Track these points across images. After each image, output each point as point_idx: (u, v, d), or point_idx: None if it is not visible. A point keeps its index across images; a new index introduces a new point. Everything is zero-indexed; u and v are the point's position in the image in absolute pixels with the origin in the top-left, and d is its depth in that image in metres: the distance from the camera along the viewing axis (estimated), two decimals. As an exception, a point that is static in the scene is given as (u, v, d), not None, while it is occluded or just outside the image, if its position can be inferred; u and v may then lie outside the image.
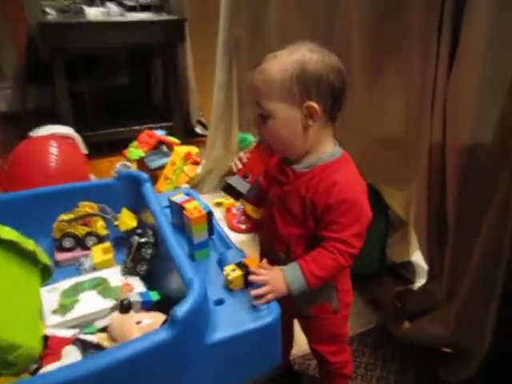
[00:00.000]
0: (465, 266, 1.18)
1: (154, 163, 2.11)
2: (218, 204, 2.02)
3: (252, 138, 2.39)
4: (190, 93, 2.94)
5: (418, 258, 1.63)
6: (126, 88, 3.24)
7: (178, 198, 1.06)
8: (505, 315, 1.06)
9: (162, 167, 2.11)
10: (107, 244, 1.11)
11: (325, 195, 0.83)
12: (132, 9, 2.71)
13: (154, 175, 2.11)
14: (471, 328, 1.18)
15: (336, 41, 1.38)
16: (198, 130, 3.08)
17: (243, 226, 1.95)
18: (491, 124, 1.05)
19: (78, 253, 1.12)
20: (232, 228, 1.95)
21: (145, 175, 1.16)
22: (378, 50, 1.30)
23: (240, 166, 0.90)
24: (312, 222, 0.87)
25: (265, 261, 0.86)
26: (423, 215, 1.29)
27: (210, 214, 0.99)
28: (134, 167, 2.15)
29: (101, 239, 1.14)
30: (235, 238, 1.84)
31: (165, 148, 2.21)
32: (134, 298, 0.88)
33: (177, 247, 0.89)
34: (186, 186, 2.31)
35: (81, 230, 1.13)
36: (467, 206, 1.15)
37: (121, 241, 1.14)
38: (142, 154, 2.06)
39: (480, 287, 1.13)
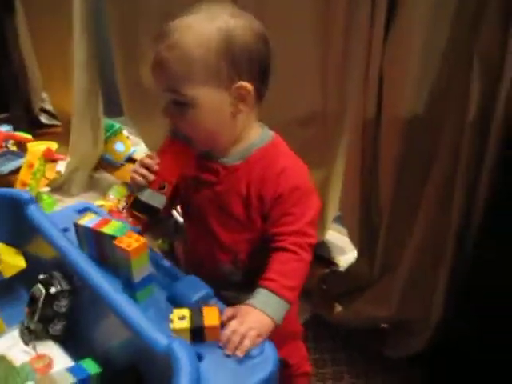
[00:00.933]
0: (403, 241, 1.14)
1: (4, 168, 1.67)
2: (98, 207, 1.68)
3: (118, 125, 2.08)
4: (29, 75, 2.42)
5: (331, 236, 1.58)
6: None
7: (88, 220, 0.78)
8: (459, 286, 1.03)
9: (16, 171, 1.68)
10: (-14, 300, 0.77)
11: (272, 185, 0.71)
12: None
13: (7, 183, 1.68)
14: (415, 303, 1.15)
15: None
16: (44, 119, 2.58)
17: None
18: (426, 93, 0.99)
19: None
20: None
21: (26, 194, 0.84)
22: (290, 10, 1.14)
23: (151, 176, 0.71)
24: (260, 221, 0.74)
25: (228, 309, 0.66)
26: (353, 194, 1.21)
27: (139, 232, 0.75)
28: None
29: (-26, 295, 0.80)
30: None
31: (14, 147, 1.77)
32: (62, 378, 0.61)
33: (116, 293, 0.64)
34: (46, 188, 1.91)
35: None
36: (405, 180, 1.09)
37: (5, 290, 0.81)
38: (-15, 159, 1.60)
39: (424, 259, 1.10)
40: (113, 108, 2.02)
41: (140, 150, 2.11)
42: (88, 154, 1.85)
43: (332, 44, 1.12)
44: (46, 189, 1.91)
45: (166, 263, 0.78)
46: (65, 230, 0.86)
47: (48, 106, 2.56)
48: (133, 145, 2.15)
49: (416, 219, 1.09)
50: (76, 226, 0.78)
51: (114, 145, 2.08)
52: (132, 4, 1.48)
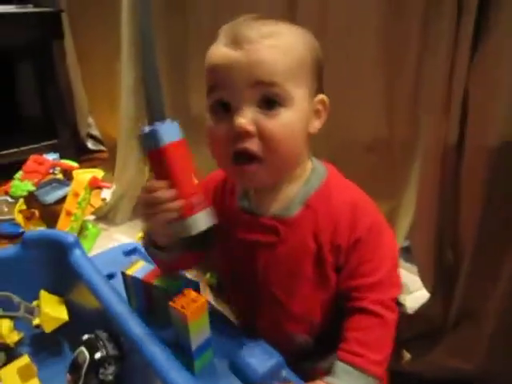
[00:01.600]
0: (487, 284, 0.99)
1: (49, 197, 1.62)
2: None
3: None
4: (76, 101, 2.43)
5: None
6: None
7: (138, 269, 0.69)
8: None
9: (61, 200, 1.63)
10: (25, 359, 0.68)
11: (347, 228, 0.60)
12: (-15, 1, 2.12)
13: (52, 212, 1.63)
14: (506, 354, 0.99)
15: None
16: (90, 145, 2.58)
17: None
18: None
19: (-26, 385, 0.68)
20: (166, 266, 1.57)
21: (71, 237, 0.75)
22: (356, 27, 1.03)
23: (177, 203, 0.55)
24: (334, 276, 0.62)
25: None
26: (427, 230, 1.07)
27: (197, 291, 0.65)
28: (19, 206, 1.64)
29: (12, 352, 0.71)
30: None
31: (60, 175, 1.73)
32: None
33: (169, 361, 0.53)
34: (92, 217, 1.86)
35: (-26, 346, 0.69)
36: (491, 216, 0.95)
37: (45, 346, 0.72)
38: (31, 188, 1.56)
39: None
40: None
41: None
42: (134, 182, 1.79)
43: (402, 66, 1.00)
44: (92, 217, 1.86)
45: (227, 322, 0.67)
46: (110, 276, 0.78)
47: (94, 132, 2.55)
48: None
49: (504, 261, 0.95)
50: (124, 275, 0.69)
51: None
52: (181, 27, 1.42)
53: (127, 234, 1.72)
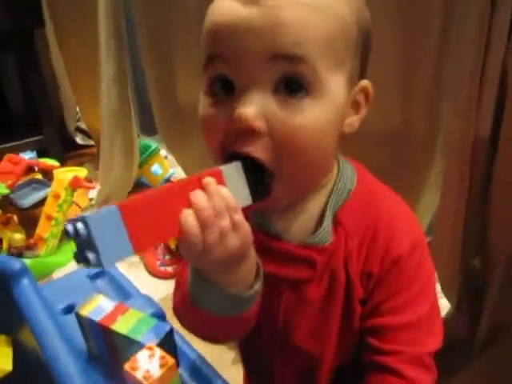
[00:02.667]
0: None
1: (27, 200, 1.49)
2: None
3: (155, 145, 1.87)
4: (62, 93, 2.27)
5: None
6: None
7: (95, 307, 0.54)
8: None
9: (41, 203, 1.49)
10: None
11: (384, 248, 0.44)
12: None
13: (30, 216, 1.49)
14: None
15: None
16: (79, 139, 2.43)
17: (170, 269, 1.43)
18: None
19: None
20: (155, 274, 1.43)
21: (17, 263, 0.61)
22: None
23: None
24: (359, 308, 0.45)
25: None
26: (453, 234, 0.92)
27: (171, 335, 0.51)
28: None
29: None
30: (163, 286, 1.33)
31: (39, 175, 1.59)
32: None
33: None
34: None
35: None
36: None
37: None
38: (5, 191, 1.42)
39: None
40: (149, 126, 1.81)
41: (180, 171, 1.89)
42: (121, 180, 1.65)
43: (421, 48, 0.85)
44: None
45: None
46: (69, 308, 0.63)
47: (83, 125, 2.40)
48: (171, 166, 1.93)
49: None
50: (78, 317, 0.54)
51: (151, 167, 1.88)
52: (164, 13, 1.26)
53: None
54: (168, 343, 0.51)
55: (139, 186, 1.88)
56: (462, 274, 0.98)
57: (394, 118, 0.95)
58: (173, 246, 1.45)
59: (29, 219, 1.49)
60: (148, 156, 1.86)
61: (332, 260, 0.45)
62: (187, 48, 1.25)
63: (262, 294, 0.43)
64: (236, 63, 0.38)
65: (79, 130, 2.46)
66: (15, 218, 1.51)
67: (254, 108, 0.37)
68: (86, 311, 0.53)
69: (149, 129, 1.95)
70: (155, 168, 1.90)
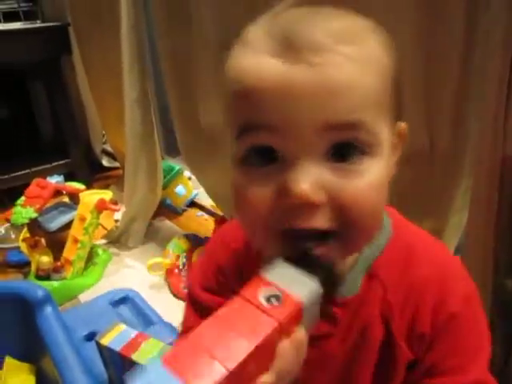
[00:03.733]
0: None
1: (54, 223, 1.51)
2: (155, 265, 1.46)
3: (178, 167, 1.88)
4: (88, 118, 2.33)
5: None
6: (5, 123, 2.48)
7: (115, 337, 0.53)
8: None
9: (67, 226, 1.51)
10: None
11: (438, 304, 0.40)
12: (-8, 18, 2.05)
13: (57, 240, 1.51)
14: None
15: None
16: (105, 162, 2.48)
17: (196, 292, 1.42)
18: None
19: None
20: (179, 296, 1.42)
21: (40, 291, 0.61)
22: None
23: None
24: (403, 370, 0.42)
25: None
26: (483, 256, 0.89)
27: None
28: (23, 234, 1.53)
29: None
30: (187, 309, 1.32)
31: (66, 198, 1.61)
32: None
33: None
34: (103, 241, 1.74)
35: None
36: None
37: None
38: (34, 215, 1.45)
39: None
40: (173, 147, 1.83)
41: (204, 192, 1.90)
42: (145, 202, 1.66)
43: (446, 61, 0.83)
44: (103, 241, 1.74)
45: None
46: (92, 335, 0.63)
47: (109, 148, 2.45)
48: (195, 187, 1.94)
49: None
50: (99, 345, 0.54)
51: (175, 188, 1.89)
52: (185, 38, 1.27)
53: (139, 260, 1.59)
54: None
55: (164, 207, 1.90)
56: (495, 296, 0.94)
57: (418, 136, 0.93)
58: (197, 268, 1.44)
59: (56, 242, 1.51)
60: (172, 177, 1.88)
61: (361, 313, 0.42)
62: (207, 71, 1.26)
63: None
64: (284, 133, 0.33)
65: (105, 152, 2.51)
66: (43, 241, 1.53)
67: (309, 180, 0.33)
68: (106, 340, 0.53)
69: (173, 150, 1.97)
70: (179, 189, 1.92)
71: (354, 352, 0.42)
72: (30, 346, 0.64)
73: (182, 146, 1.48)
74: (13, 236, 1.72)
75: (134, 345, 0.52)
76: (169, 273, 1.44)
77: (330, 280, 0.35)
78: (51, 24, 2.08)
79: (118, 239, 1.71)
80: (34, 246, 1.50)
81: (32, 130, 2.44)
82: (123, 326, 0.55)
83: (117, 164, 2.37)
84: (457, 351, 0.40)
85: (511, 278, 0.91)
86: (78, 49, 2.05)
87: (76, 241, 1.48)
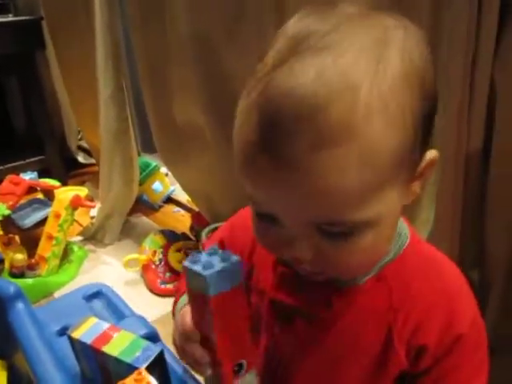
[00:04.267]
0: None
1: (28, 220, 1.49)
2: (131, 261, 1.46)
3: (154, 163, 1.88)
4: (63, 113, 2.30)
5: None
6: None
7: (87, 330, 0.54)
8: None
9: (42, 223, 1.50)
10: None
11: (445, 323, 0.40)
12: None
13: (32, 237, 1.50)
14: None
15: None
16: (81, 158, 2.46)
17: (171, 286, 1.43)
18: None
19: None
20: (156, 291, 1.43)
21: (12, 287, 0.61)
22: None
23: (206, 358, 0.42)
24: (392, 375, 0.42)
25: None
26: (450, 249, 0.92)
27: (161, 356, 0.51)
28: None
29: None
30: (163, 304, 1.33)
31: (40, 195, 1.60)
32: None
33: None
34: (79, 238, 1.73)
35: None
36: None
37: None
38: (6, 212, 1.43)
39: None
40: (150, 144, 1.83)
41: (179, 189, 1.91)
42: (121, 199, 1.66)
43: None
44: (79, 238, 1.73)
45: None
46: (64, 330, 0.63)
47: (85, 144, 2.43)
48: (171, 183, 1.95)
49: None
50: (71, 339, 0.54)
51: (151, 185, 1.89)
52: (160, 35, 1.27)
53: (116, 256, 1.59)
54: (159, 364, 0.51)
55: (141, 203, 1.90)
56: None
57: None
58: (173, 262, 1.45)
59: (30, 239, 1.49)
60: (148, 174, 1.88)
61: (363, 308, 0.42)
62: (183, 68, 1.26)
63: (273, 321, 0.46)
64: (278, 215, 0.36)
65: (81, 148, 2.49)
66: (17, 238, 1.51)
67: (309, 252, 0.36)
68: (78, 334, 0.54)
69: (150, 147, 1.97)
70: (156, 185, 1.92)
71: (347, 343, 0.43)
72: (2, 343, 0.64)
73: (158, 143, 1.48)
74: (-16, 234, 1.69)
75: (105, 337, 0.53)
76: (145, 268, 1.45)
77: None
78: (24, 18, 2.05)
79: (93, 236, 1.70)
80: (7, 244, 1.48)
81: (5, 126, 2.41)
82: (95, 320, 0.56)
83: (92, 160, 2.36)
84: (458, 369, 0.41)
85: (475, 270, 0.95)
86: (51, 45, 2.02)
87: (51, 238, 1.47)
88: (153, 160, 1.92)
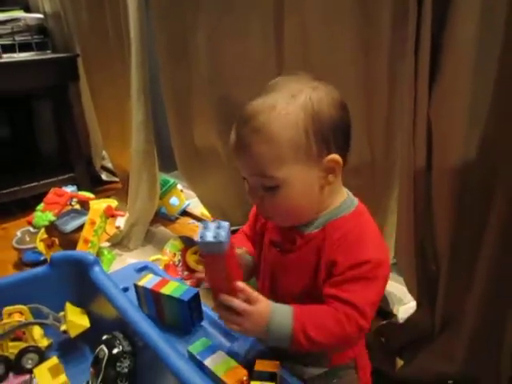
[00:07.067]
0: (464, 291, 1.09)
1: (69, 226, 1.77)
2: (155, 261, 1.73)
3: (172, 180, 2.16)
4: (91, 137, 2.61)
5: (388, 286, 1.52)
6: (7, 142, 2.73)
7: (147, 281, 0.81)
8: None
9: (79, 229, 1.78)
10: (54, 360, 0.81)
11: (345, 253, 0.67)
12: (9, 49, 2.32)
13: (70, 240, 1.77)
14: (483, 358, 1.08)
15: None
16: (104, 176, 2.74)
17: (188, 283, 1.69)
18: (476, 139, 0.97)
19: (13, 382, 0.80)
20: (175, 287, 1.68)
21: (91, 256, 0.89)
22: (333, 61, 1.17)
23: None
24: (321, 278, 0.70)
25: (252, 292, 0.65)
26: (408, 245, 1.17)
27: (197, 297, 0.77)
28: (41, 235, 1.78)
29: (43, 355, 0.84)
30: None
31: (77, 205, 1.88)
32: None
33: (175, 355, 0.65)
34: (107, 244, 2.00)
35: (12, 349, 0.81)
36: (462, 226, 1.05)
37: (71, 349, 0.85)
38: (52, 218, 1.71)
39: (489, 309, 1.04)
40: (167, 163, 2.13)
41: (194, 203, 2.18)
42: (145, 210, 1.93)
43: (376, 96, 1.13)
44: (107, 244, 2.00)
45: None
46: (125, 289, 0.90)
47: (108, 164, 2.72)
48: (187, 198, 2.23)
49: (475, 268, 1.05)
50: (136, 286, 0.81)
51: (169, 199, 2.16)
52: (184, 70, 1.58)
53: (139, 259, 1.85)
54: (195, 301, 0.77)
55: (159, 215, 2.17)
56: (420, 278, 1.22)
57: (364, 151, 1.23)
58: (190, 262, 1.71)
59: (69, 242, 1.76)
60: (167, 189, 2.15)
61: (307, 247, 0.71)
62: (202, 101, 1.56)
63: (268, 250, 0.76)
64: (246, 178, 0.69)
65: (104, 168, 2.79)
66: (57, 241, 1.79)
67: (257, 200, 0.69)
68: (141, 283, 0.81)
69: (167, 166, 2.25)
70: (173, 200, 2.19)
71: (300, 265, 0.71)
72: (83, 296, 0.90)
73: (180, 162, 1.77)
74: (27, 239, 1.97)
75: (160, 284, 0.78)
76: (167, 267, 1.71)
77: None
78: (62, 55, 2.36)
79: (120, 242, 1.96)
80: (50, 246, 1.76)
81: (33, 148, 2.72)
82: (152, 275, 0.83)
83: (115, 178, 2.65)
84: (351, 282, 0.65)
85: (434, 263, 1.20)
86: (85, 77, 2.33)
87: (87, 241, 1.74)
88: (170, 178, 2.20)
